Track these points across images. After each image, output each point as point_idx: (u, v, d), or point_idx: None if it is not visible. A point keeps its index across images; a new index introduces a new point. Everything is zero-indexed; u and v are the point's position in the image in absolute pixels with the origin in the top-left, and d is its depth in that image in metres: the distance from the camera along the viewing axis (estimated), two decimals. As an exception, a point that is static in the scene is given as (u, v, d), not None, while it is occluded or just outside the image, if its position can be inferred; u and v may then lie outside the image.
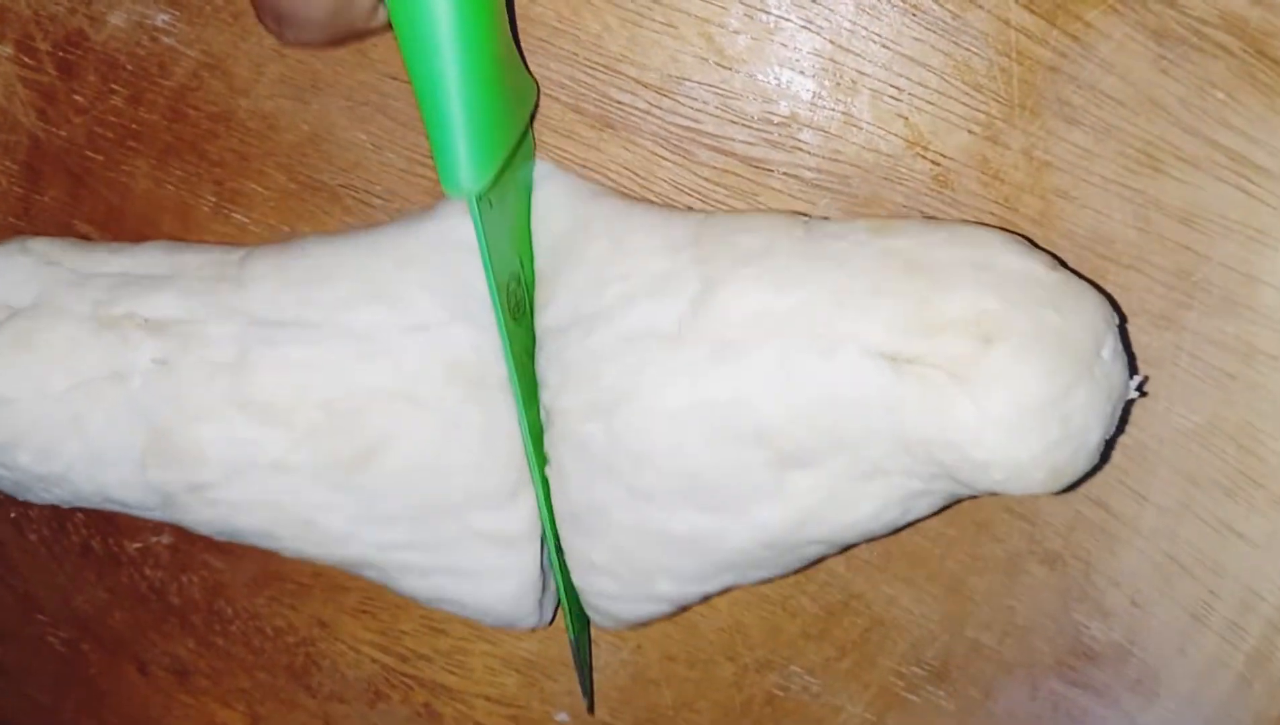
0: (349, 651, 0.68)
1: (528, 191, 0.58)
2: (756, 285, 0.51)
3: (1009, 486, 0.50)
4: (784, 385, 0.50)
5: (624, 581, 0.56)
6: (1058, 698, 0.61)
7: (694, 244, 0.54)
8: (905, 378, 0.49)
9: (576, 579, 0.57)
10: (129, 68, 0.62)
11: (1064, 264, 0.52)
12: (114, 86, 0.63)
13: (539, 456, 0.56)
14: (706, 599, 0.58)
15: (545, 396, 0.54)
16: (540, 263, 0.56)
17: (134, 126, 0.63)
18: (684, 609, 0.59)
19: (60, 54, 0.63)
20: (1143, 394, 0.55)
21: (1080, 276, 0.52)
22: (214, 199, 0.63)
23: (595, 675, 0.66)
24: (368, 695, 0.69)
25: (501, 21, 0.50)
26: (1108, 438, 0.51)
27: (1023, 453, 0.48)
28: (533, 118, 0.58)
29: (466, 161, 0.49)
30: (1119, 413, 0.51)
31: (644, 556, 0.55)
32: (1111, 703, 0.60)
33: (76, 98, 0.63)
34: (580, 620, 0.61)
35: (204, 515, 0.57)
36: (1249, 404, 0.56)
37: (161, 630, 0.70)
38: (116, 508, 0.59)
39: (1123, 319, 0.54)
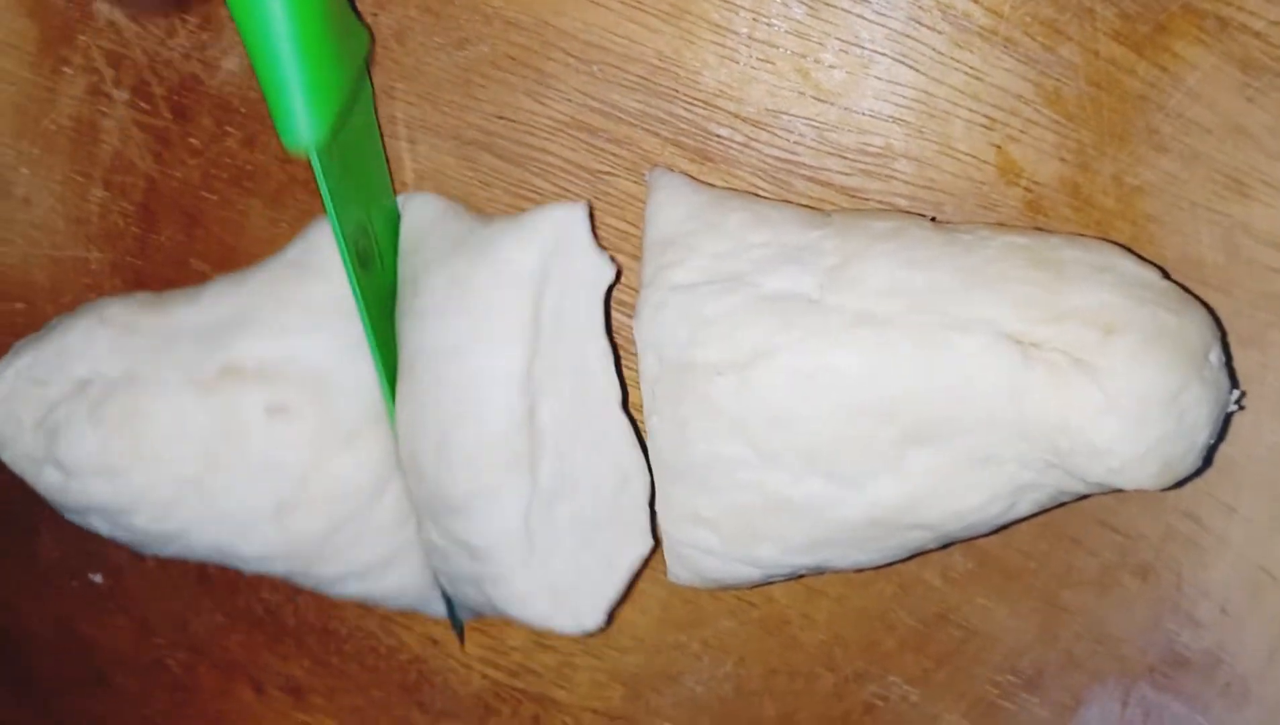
0: (459, 667, 0.70)
1: (373, 144, 0.61)
2: (892, 261, 0.53)
3: (1121, 477, 0.51)
4: (915, 360, 0.52)
5: (727, 539, 0.56)
6: (1149, 704, 0.62)
7: (828, 225, 0.55)
8: (1032, 362, 0.50)
9: (671, 527, 0.57)
10: (242, 111, 0.64)
11: (1169, 277, 0.54)
12: (228, 129, 0.65)
13: (393, 397, 0.58)
14: (795, 575, 0.59)
15: (669, 350, 0.55)
16: (667, 231, 0.57)
17: (248, 167, 0.65)
18: (767, 583, 0.60)
19: (175, 98, 0.65)
20: (1242, 407, 0.57)
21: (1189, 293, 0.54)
22: (326, 236, 0.65)
23: (698, 689, 0.67)
24: (478, 710, 0.71)
25: None
26: (1212, 442, 0.53)
27: (1140, 442, 0.50)
28: (368, 65, 0.61)
29: (304, 114, 0.51)
30: (1222, 420, 0.53)
31: (756, 518, 0.55)
32: (1202, 708, 0.62)
33: (191, 140, 0.65)
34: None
35: (341, 553, 0.60)
36: (1336, 420, 0.58)
37: (277, 652, 0.73)
38: (234, 563, 0.61)
39: (1224, 333, 0.56)
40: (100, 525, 0.60)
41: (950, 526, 0.55)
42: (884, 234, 0.54)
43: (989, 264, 0.53)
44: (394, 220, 0.61)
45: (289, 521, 0.58)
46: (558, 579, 0.58)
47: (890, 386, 0.52)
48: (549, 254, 0.56)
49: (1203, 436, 0.52)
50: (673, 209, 0.57)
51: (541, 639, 0.69)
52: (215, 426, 0.57)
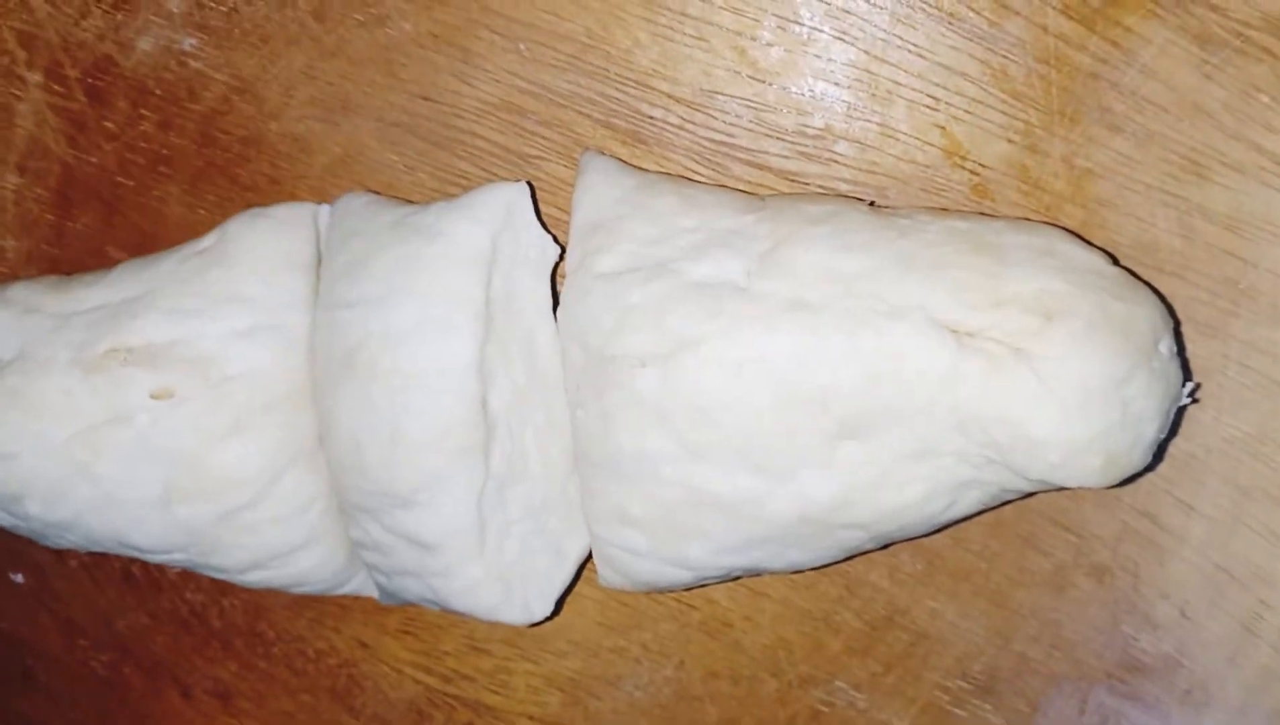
0: (391, 672, 0.68)
1: None
2: (825, 245, 0.51)
3: (1062, 472, 0.49)
4: (847, 348, 0.49)
5: (655, 539, 0.54)
6: (1106, 710, 0.60)
7: (761, 209, 0.53)
8: (967, 350, 0.48)
9: (599, 527, 0.55)
10: (158, 93, 0.62)
11: (1118, 262, 0.52)
12: (143, 112, 0.63)
13: None
14: (728, 578, 0.57)
15: (593, 340, 0.53)
16: (594, 216, 0.54)
17: (164, 152, 0.63)
18: (701, 585, 0.58)
19: (89, 81, 0.63)
20: (1195, 401, 0.55)
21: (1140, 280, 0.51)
22: (246, 222, 0.63)
23: (637, 694, 0.65)
24: (411, 716, 0.69)
25: None
26: (1161, 438, 0.50)
27: (1081, 433, 0.48)
28: None
29: None
30: (1173, 414, 0.51)
31: (684, 515, 0.53)
32: (1162, 715, 0.60)
33: (107, 124, 0.63)
34: None
35: (238, 541, 0.57)
36: (1300, 413, 0.55)
37: (204, 654, 0.71)
38: (132, 553, 0.59)
39: (1178, 323, 0.54)
40: (1, 516, 0.59)
41: (885, 525, 0.52)
42: (818, 218, 0.52)
43: (927, 249, 0.50)
44: None
45: (178, 510, 0.56)
46: (507, 569, 0.56)
47: (820, 376, 0.50)
48: (498, 233, 0.54)
49: (1150, 430, 0.49)
50: (601, 193, 0.55)
51: (476, 643, 0.67)
52: (100, 408, 0.55)
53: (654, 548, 0.54)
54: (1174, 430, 0.54)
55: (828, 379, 0.50)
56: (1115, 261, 0.51)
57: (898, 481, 0.51)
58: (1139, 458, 0.50)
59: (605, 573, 0.56)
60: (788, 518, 0.52)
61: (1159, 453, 0.52)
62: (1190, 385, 0.51)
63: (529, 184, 0.56)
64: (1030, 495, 0.54)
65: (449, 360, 0.53)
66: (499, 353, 0.55)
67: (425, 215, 0.55)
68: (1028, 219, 0.55)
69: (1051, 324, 0.48)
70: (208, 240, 0.58)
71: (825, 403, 0.50)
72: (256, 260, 0.56)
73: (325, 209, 0.59)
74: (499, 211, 0.54)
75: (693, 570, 0.55)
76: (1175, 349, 0.51)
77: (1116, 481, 0.50)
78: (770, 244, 0.51)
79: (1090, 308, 0.48)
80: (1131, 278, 0.51)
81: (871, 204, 0.54)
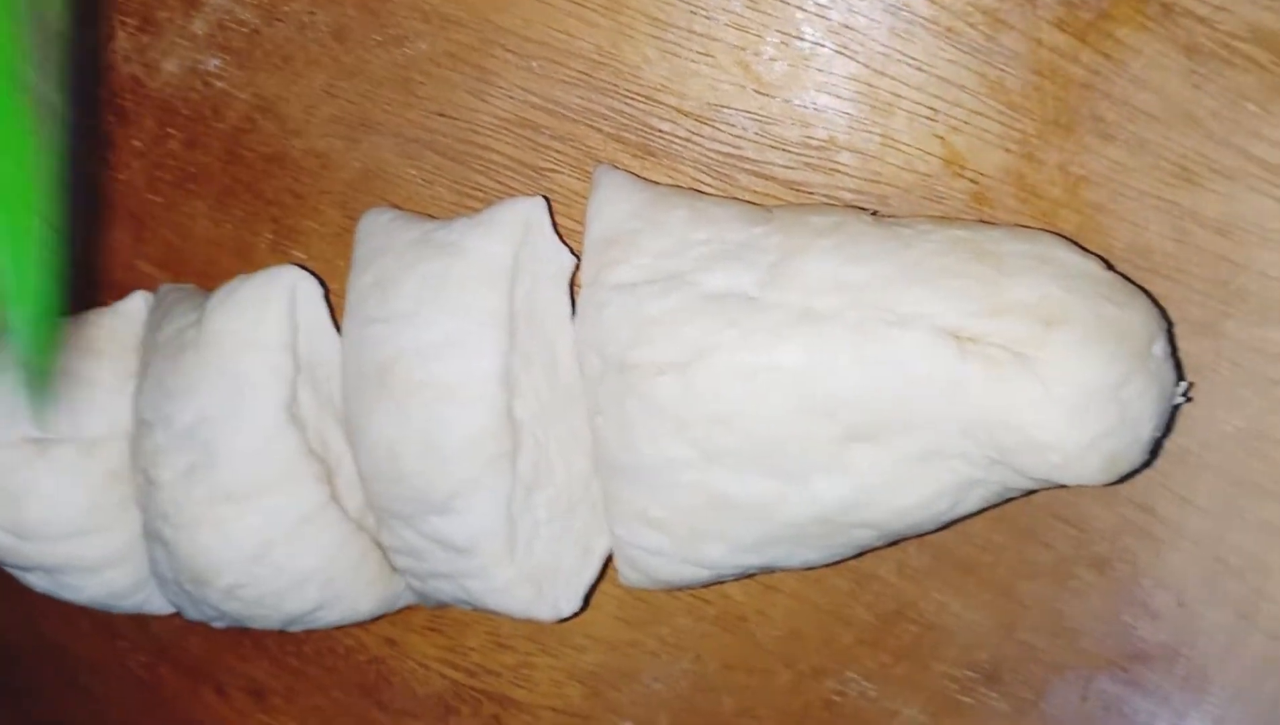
0: (418, 668, 0.70)
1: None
2: (832, 256, 0.52)
3: (1064, 472, 0.51)
4: (855, 356, 0.51)
5: (675, 540, 0.56)
6: (1108, 697, 0.62)
7: (769, 221, 0.55)
8: (970, 357, 0.50)
9: (620, 529, 0.57)
10: (184, 112, 0.64)
11: (1113, 268, 0.53)
12: (170, 131, 0.65)
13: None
14: (745, 575, 0.59)
15: (612, 350, 0.54)
16: (609, 229, 0.56)
17: (191, 169, 0.65)
18: (718, 582, 0.60)
19: (117, 101, 0.65)
20: (1189, 399, 0.56)
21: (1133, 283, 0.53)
22: (272, 236, 0.65)
23: (656, 686, 0.67)
24: (438, 710, 0.71)
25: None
26: (1157, 436, 0.52)
27: (1082, 435, 0.50)
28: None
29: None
30: (1168, 413, 0.52)
31: (702, 518, 0.55)
32: (1161, 701, 0.61)
33: (135, 142, 0.65)
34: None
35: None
36: (1292, 409, 0.57)
37: (237, 653, 0.73)
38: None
39: (1170, 324, 0.55)
40: None
41: (895, 524, 0.54)
42: (824, 229, 0.54)
43: (929, 258, 0.52)
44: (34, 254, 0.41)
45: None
46: (537, 568, 0.58)
47: (830, 383, 0.52)
48: (519, 247, 0.56)
49: (1147, 430, 0.51)
50: (615, 207, 0.56)
51: (500, 639, 0.68)
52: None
53: (674, 548, 0.56)
54: (1169, 427, 0.56)
55: (837, 386, 0.51)
56: (1109, 266, 0.53)
57: (906, 483, 0.52)
58: (1137, 456, 0.52)
59: (626, 572, 0.58)
60: (801, 519, 0.54)
61: (1155, 449, 0.53)
62: (1184, 384, 0.53)
63: (545, 198, 0.57)
64: (1032, 492, 0.55)
65: (478, 373, 0.54)
66: (522, 363, 0.57)
67: (449, 232, 0.57)
68: (1025, 226, 0.56)
69: (1051, 330, 0.49)
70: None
71: (835, 409, 0.52)
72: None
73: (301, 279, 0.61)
74: (519, 227, 0.56)
75: (710, 569, 0.57)
76: (1168, 350, 0.52)
77: (1116, 479, 0.52)
78: (779, 256, 0.53)
79: (1087, 313, 0.50)
80: (1125, 282, 0.52)
81: (874, 213, 0.56)
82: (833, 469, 0.53)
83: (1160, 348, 0.52)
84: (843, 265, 0.52)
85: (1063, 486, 0.52)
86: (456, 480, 0.55)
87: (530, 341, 0.57)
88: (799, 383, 0.52)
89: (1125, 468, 0.52)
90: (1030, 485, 0.53)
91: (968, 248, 0.52)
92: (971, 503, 0.54)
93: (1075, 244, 0.53)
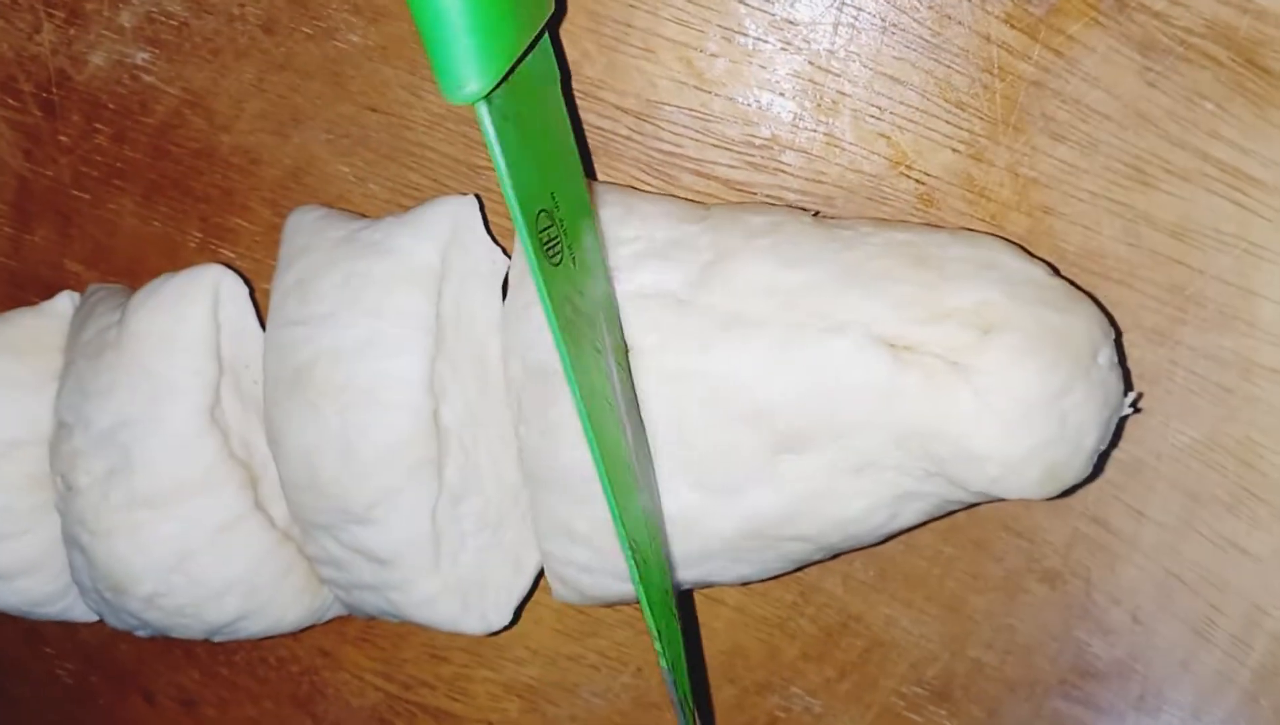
0: (352, 680, 0.69)
1: (563, 127, 0.50)
2: (767, 258, 0.51)
3: (1002, 485, 0.49)
4: (785, 363, 0.49)
5: (602, 554, 0.54)
6: (1061, 716, 0.61)
7: (704, 220, 0.53)
8: (905, 366, 0.48)
9: (547, 544, 0.55)
10: (111, 107, 0.63)
11: (1059, 273, 0.52)
12: (97, 126, 0.63)
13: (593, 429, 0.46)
14: (678, 590, 0.56)
15: (534, 355, 0.53)
16: None
17: (118, 165, 0.63)
18: None
19: (43, 95, 0.63)
20: (1137, 410, 0.55)
21: (1077, 287, 0.51)
22: (200, 235, 0.63)
23: (595, 701, 0.66)
24: (372, 723, 0.69)
25: None
26: (1102, 449, 0.50)
27: (1019, 447, 0.48)
28: (554, 33, 0.51)
29: (468, 58, 0.39)
30: (1114, 424, 0.51)
31: None
32: (1116, 720, 0.60)
33: (61, 138, 0.63)
34: (672, 644, 0.53)
35: None
36: (1249, 418, 0.55)
37: (167, 661, 0.71)
38: None
39: (1119, 333, 0.54)
40: None
41: (832, 537, 0.52)
42: (761, 230, 0.52)
43: (868, 261, 0.50)
44: (586, 219, 0.50)
45: None
46: (464, 581, 0.56)
47: (758, 392, 0.50)
48: (447, 247, 0.55)
49: (1090, 441, 0.49)
50: None
51: (436, 651, 0.67)
52: None
53: (601, 564, 0.54)
54: (1116, 439, 0.54)
55: (764, 394, 0.50)
56: (1056, 272, 0.51)
57: (840, 495, 0.51)
58: (1079, 469, 0.50)
59: (557, 587, 0.57)
60: (731, 533, 0.52)
61: (1101, 461, 0.52)
62: (1132, 395, 0.51)
63: (478, 196, 0.56)
64: (976, 505, 0.54)
65: (400, 377, 0.53)
66: (450, 368, 0.55)
67: (374, 231, 0.55)
68: (972, 229, 0.55)
69: (989, 337, 0.48)
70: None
71: (763, 418, 0.50)
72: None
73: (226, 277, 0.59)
74: (447, 226, 0.54)
75: None
76: (1115, 359, 0.50)
77: (1058, 492, 0.50)
78: (713, 256, 0.51)
79: (1028, 320, 0.48)
80: (1071, 289, 0.51)
81: (816, 214, 0.54)
82: (763, 482, 0.51)
83: (1106, 357, 0.50)
84: (778, 269, 0.50)
85: (1003, 499, 0.51)
86: (376, 489, 0.53)
87: (459, 345, 0.55)
88: (725, 390, 0.50)
89: (1068, 480, 0.50)
90: (970, 498, 0.51)
91: (909, 252, 0.50)
92: (910, 515, 0.52)
93: (1022, 249, 0.52)
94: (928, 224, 0.55)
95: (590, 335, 0.47)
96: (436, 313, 0.54)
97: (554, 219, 0.46)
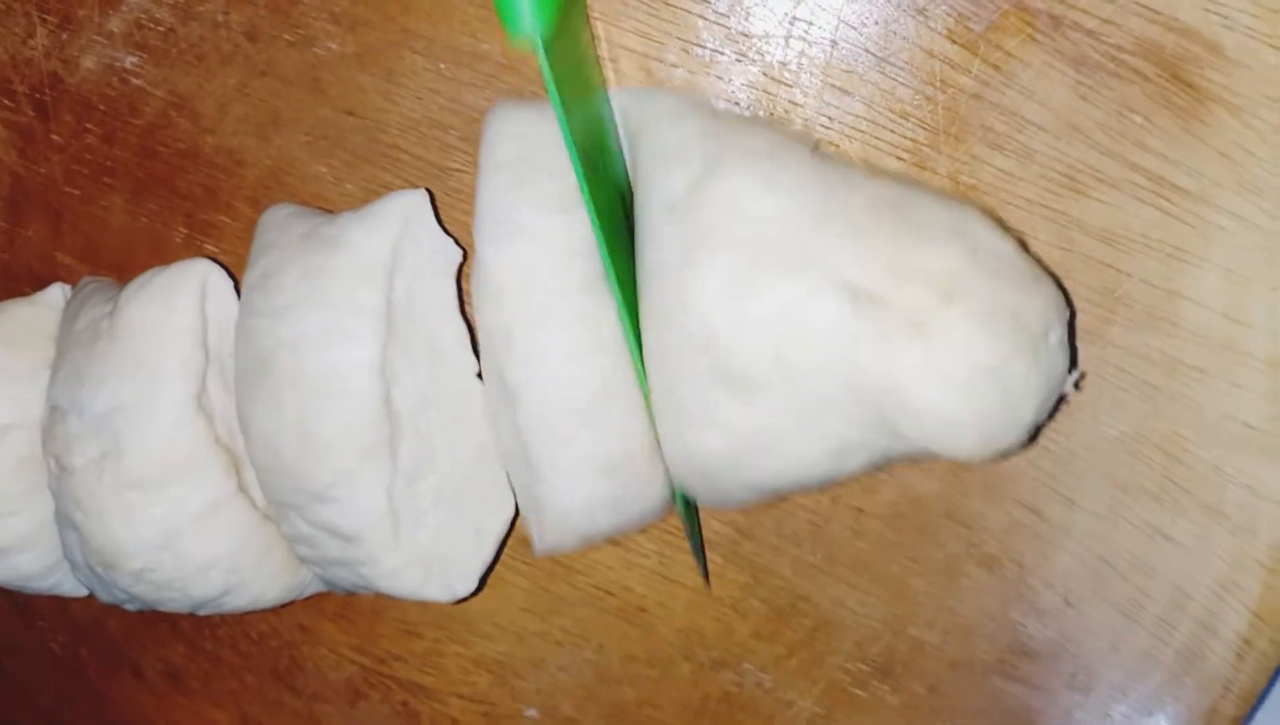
0: (330, 654, 0.72)
1: (588, 46, 0.58)
2: (751, 179, 0.51)
3: (940, 443, 0.51)
4: (743, 296, 0.50)
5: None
6: (999, 693, 0.63)
7: (711, 134, 0.54)
8: (864, 315, 0.49)
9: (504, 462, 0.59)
10: (101, 108, 0.65)
11: (1028, 250, 0.54)
12: (88, 126, 0.66)
13: (635, 332, 0.55)
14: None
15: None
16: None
17: (108, 164, 0.66)
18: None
19: (37, 96, 0.66)
20: (1078, 389, 0.57)
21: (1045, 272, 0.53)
22: (186, 231, 0.66)
23: (560, 675, 0.69)
24: (348, 695, 0.72)
25: None
26: (1040, 421, 0.52)
27: (960, 409, 0.50)
28: None
29: (528, 4, 0.47)
30: (1053, 400, 0.53)
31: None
32: (1049, 697, 0.63)
33: (53, 137, 0.66)
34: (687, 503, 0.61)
35: None
36: (1174, 414, 0.58)
37: (154, 636, 0.74)
38: None
39: (1073, 313, 0.56)
40: None
41: (777, 483, 0.54)
42: (755, 151, 0.53)
43: (848, 207, 0.51)
44: (610, 123, 0.57)
45: None
46: (425, 552, 0.59)
47: (708, 322, 0.51)
48: (397, 240, 0.57)
49: (1028, 413, 0.51)
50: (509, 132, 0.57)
51: (409, 627, 0.70)
52: None
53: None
54: (1052, 414, 0.57)
55: (716, 326, 0.51)
56: (1026, 249, 0.53)
57: (789, 441, 0.52)
58: (1015, 436, 0.52)
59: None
60: (683, 471, 0.55)
61: (1035, 433, 0.54)
62: (1076, 373, 0.54)
63: (428, 191, 0.58)
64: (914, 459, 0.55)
65: (352, 365, 0.56)
66: (402, 354, 0.58)
67: (332, 226, 0.58)
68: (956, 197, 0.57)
69: (949, 302, 0.49)
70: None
71: (712, 350, 0.51)
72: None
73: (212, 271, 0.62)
74: (397, 220, 0.57)
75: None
76: (1065, 339, 0.52)
77: (991, 457, 0.52)
78: (702, 168, 0.52)
79: (987, 292, 0.50)
80: (1035, 268, 0.52)
81: (816, 146, 0.55)
82: (711, 423, 0.52)
83: (1057, 336, 0.52)
84: (760, 192, 0.51)
85: (939, 458, 0.52)
86: (334, 471, 0.56)
87: (410, 333, 0.58)
88: (681, 317, 0.51)
89: (1001, 446, 0.52)
90: (908, 452, 0.53)
91: (890, 207, 0.51)
92: (851, 466, 0.54)
93: (999, 224, 0.53)
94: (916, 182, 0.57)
95: (614, 212, 0.54)
96: (388, 302, 0.56)
97: (591, 136, 0.53)
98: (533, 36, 0.47)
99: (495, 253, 0.54)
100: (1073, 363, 0.54)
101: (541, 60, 0.48)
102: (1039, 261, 0.54)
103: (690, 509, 0.62)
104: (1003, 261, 0.51)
